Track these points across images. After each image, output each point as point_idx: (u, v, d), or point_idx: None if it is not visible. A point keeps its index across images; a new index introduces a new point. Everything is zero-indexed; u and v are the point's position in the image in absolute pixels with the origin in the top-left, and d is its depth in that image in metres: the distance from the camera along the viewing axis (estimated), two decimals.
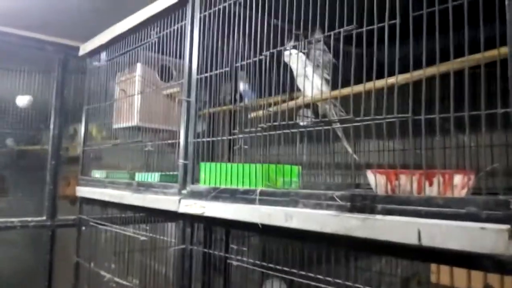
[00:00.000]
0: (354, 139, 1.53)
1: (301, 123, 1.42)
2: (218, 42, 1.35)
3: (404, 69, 0.90)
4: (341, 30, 0.94)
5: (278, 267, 1.08)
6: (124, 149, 1.93)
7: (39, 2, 2.17)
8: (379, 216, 0.82)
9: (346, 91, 1.05)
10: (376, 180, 0.88)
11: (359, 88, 0.99)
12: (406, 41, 0.86)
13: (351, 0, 0.96)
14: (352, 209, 0.86)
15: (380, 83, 0.95)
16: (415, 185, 0.82)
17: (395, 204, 0.81)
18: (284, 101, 1.31)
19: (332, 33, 0.98)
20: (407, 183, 0.83)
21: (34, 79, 2.62)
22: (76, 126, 3.15)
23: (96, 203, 1.97)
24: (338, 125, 1.12)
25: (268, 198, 1.05)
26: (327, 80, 1.37)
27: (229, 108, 1.61)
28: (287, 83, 1.28)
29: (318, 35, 1.33)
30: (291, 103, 1.35)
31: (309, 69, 1.35)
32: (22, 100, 2.71)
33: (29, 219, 2.54)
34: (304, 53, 1.30)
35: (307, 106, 1.38)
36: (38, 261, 2.73)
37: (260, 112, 1.33)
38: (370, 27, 0.90)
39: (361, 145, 1.70)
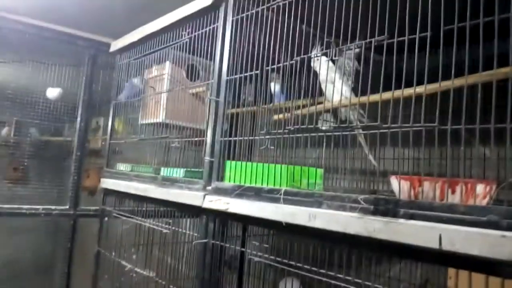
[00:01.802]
0: (376, 146, 1.56)
1: (322, 127, 1.46)
2: (249, 45, 1.40)
3: (433, 79, 0.93)
4: (373, 40, 0.98)
5: (298, 264, 1.12)
6: (149, 145, 1.99)
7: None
8: (401, 220, 0.85)
9: (373, 98, 1.09)
10: (399, 186, 0.92)
11: (386, 95, 1.03)
12: (434, 52, 0.90)
13: (383, 10, 0.99)
14: (376, 212, 0.90)
15: (407, 91, 0.98)
16: (438, 192, 0.85)
17: (417, 209, 0.84)
18: (309, 105, 1.35)
19: (363, 42, 1.01)
20: (430, 189, 0.86)
21: (65, 72, 2.70)
22: (99, 120, 3.24)
23: (119, 195, 2.03)
24: (361, 131, 1.15)
25: (292, 198, 1.09)
26: (351, 87, 1.40)
27: (252, 110, 1.66)
28: (314, 88, 1.32)
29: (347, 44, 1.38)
30: (316, 107, 1.39)
31: (335, 75, 1.39)
32: (52, 92, 2.80)
33: (53, 207, 2.62)
34: (331, 59, 1.34)
35: (328, 111, 1.42)
36: (59, 248, 2.81)
37: (285, 115, 1.37)
38: (401, 38, 0.94)
39: (382, 152, 1.73)
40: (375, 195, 0.95)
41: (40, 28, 2.42)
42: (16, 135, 3.92)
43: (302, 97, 1.31)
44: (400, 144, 0.93)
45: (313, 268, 1.07)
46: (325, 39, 1.32)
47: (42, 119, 3.75)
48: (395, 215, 0.87)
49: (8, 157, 4.03)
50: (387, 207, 0.89)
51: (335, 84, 1.39)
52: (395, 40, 0.94)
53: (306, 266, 1.09)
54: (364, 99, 1.15)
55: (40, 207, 2.53)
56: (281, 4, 1.27)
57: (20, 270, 3.68)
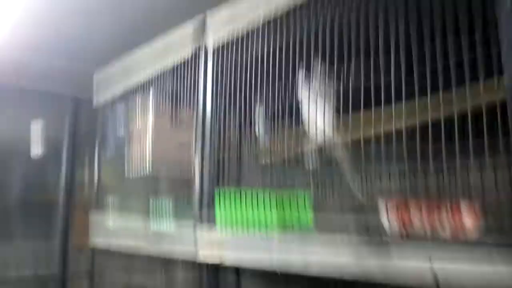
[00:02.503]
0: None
1: (309, 167, 1.46)
2: (231, 90, 1.42)
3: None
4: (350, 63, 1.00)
5: None
6: (137, 196, 1.96)
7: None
8: (395, 261, 0.84)
9: (354, 135, 1.10)
10: (390, 223, 0.92)
11: (367, 131, 1.04)
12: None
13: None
14: (370, 255, 0.89)
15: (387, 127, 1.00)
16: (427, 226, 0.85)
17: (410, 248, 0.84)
18: (295, 144, 1.35)
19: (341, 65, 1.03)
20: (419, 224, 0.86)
21: (46, 127, 2.68)
22: (85, 173, 3.20)
23: (110, 253, 1.98)
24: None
25: (286, 245, 1.08)
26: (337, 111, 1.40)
27: (237, 152, 1.66)
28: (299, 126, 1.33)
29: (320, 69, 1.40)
30: (301, 148, 1.39)
31: (315, 108, 1.39)
32: (35, 148, 2.77)
33: (41, 268, 2.53)
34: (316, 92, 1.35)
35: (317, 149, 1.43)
36: None
37: (272, 158, 1.38)
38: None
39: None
40: (367, 235, 0.94)
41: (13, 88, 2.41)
42: None
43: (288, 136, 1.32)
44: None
45: None
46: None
47: (26, 177, 3.69)
48: (388, 255, 0.86)
49: None
50: (380, 248, 0.88)
51: (317, 119, 1.39)
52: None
53: None
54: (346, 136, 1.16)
55: (28, 271, 2.44)
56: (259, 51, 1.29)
57: None
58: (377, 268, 0.85)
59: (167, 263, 1.61)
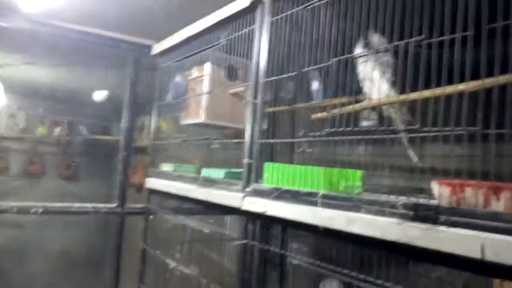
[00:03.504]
0: (419, 144, 1.52)
1: (364, 124, 1.44)
2: (286, 46, 1.39)
3: (475, 76, 0.89)
4: (411, 40, 0.95)
5: (337, 268, 1.12)
6: (190, 144, 2.03)
7: (115, 4, 2.32)
8: (442, 227, 0.82)
9: (413, 96, 1.06)
10: (440, 191, 0.89)
11: (426, 93, 1.00)
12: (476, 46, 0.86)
13: (419, 7, 0.96)
14: (415, 218, 0.88)
15: (449, 89, 0.95)
16: (481, 199, 0.81)
17: (459, 217, 0.81)
18: (349, 103, 1.33)
19: (402, 42, 0.98)
20: (472, 195, 0.83)
21: (109, 75, 2.80)
22: (144, 119, 3.34)
23: (163, 194, 2.09)
24: (403, 133, 1.12)
25: (330, 201, 1.08)
26: (393, 84, 1.37)
27: (291, 108, 1.65)
28: (353, 86, 1.30)
29: (378, 39, 1.35)
30: (356, 106, 1.37)
31: (376, 73, 1.36)
32: (99, 95, 2.92)
33: (101, 205, 2.73)
34: (371, 57, 1.31)
35: (369, 108, 1.39)
36: (108, 241, 2.93)
37: (325, 114, 1.36)
38: (441, 38, 0.90)
39: (426, 150, 1.67)
40: (415, 200, 0.92)
41: (84, 32, 2.52)
42: (68, 134, 4.14)
43: (342, 95, 1.29)
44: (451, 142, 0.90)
45: (352, 273, 1.06)
46: (363, 39, 1.30)
47: (91, 119, 3.93)
48: (435, 222, 0.85)
49: (60, 155, 4.27)
50: (427, 213, 0.86)
51: (375, 82, 1.36)
52: (433, 40, 0.91)
53: (345, 270, 1.08)
54: (404, 97, 1.12)
55: (89, 205, 2.65)
56: (320, 3, 1.25)
57: (74, 262, 3.89)
58: (421, 232, 0.84)
59: (214, 208, 1.68)
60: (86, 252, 3.92)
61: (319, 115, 1.45)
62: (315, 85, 1.66)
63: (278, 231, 1.56)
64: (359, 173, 1.20)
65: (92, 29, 2.55)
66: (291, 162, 1.93)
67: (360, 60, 1.34)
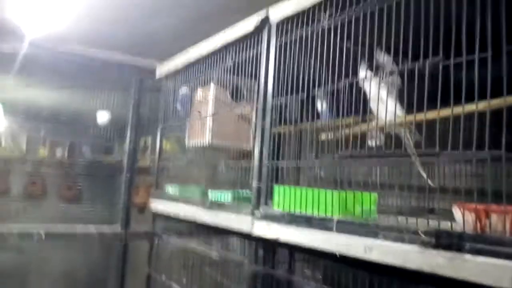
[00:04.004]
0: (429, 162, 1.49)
1: (371, 144, 1.41)
2: (293, 67, 1.38)
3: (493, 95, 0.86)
4: (427, 61, 0.93)
5: None
6: (197, 166, 2.00)
7: (119, 27, 2.32)
8: (467, 256, 0.79)
9: (420, 117, 1.03)
10: (463, 216, 0.86)
11: (443, 112, 0.97)
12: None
13: (436, 28, 0.94)
14: (437, 246, 0.84)
15: (467, 108, 0.92)
16: (508, 225, 0.78)
17: (486, 244, 0.78)
18: (357, 123, 1.30)
19: (417, 63, 0.96)
20: (499, 221, 0.80)
21: (113, 96, 2.79)
22: (147, 140, 3.32)
23: (169, 217, 2.05)
24: (418, 157, 1.10)
25: (346, 227, 1.05)
26: (399, 104, 1.35)
27: (298, 128, 1.63)
28: (363, 106, 1.28)
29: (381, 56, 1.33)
30: (364, 126, 1.34)
31: (383, 93, 1.34)
32: (102, 117, 2.90)
33: (105, 227, 2.69)
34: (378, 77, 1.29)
35: (377, 128, 1.37)
36: (111, 263, 2.87)
37: (333, 134, 1.34)
38: (458, 59, 0.88)
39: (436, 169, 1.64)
40: (436, 226, 0.89)
41: (89, 56, 2.52)
42: (69, 155, 4.11)
43: (349, 115, 1.27)
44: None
45: None
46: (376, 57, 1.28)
47: (94, 140, 3.90)
48: (459, 249, 0.81)
49: (62, 176, 4.23)
50: (450, 240, 0.83)
51: (385, 102, 1.34)
52: (451, 61, 0.89)
53: None
54: (420, 116, 1.10)
55: (93, 227, 2.61)
56: (325, 25, 1.24)
57: (76, 285, 3.81)
58: (445, 261, 0.80)
59: (222, 232, 1.64)
60: (88, 275, 3.85)
61: (327, 135, 1.42)
62: (323, 105, 1.64)
63: (288, 256, 1.52)
64: (374, 196, 1.17)
65: (96, 52, 2.55)
66: (298, 184, 1.90)
67: (370, 80, 1.32)
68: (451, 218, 0.95)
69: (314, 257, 1.34)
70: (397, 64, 1.20)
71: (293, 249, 1.39)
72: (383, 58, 1.32)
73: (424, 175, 1.33)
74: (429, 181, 1.41)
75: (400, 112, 1.32)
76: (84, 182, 4.19)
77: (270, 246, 1.40)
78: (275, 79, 1.44)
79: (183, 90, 2.12)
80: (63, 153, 4.03)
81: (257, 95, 1.53)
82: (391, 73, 1.33)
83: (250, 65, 1.59)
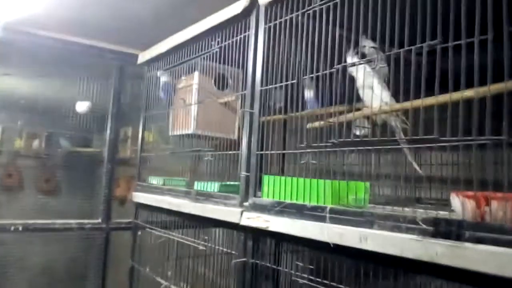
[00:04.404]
0: (417, 151, 1.47)
1: (357, 133, 1.39)
2: (282, 53, 1.33)
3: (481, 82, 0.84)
4: (424, 45, 0.90)
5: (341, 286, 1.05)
6: (180, 156, 1.95)
7: (99, 11, 2.23)
8: (467, 244, 0.77)
9: (416, 103, 1.01)
10: (462, 204, 0.83)
11: (430, 100, 0.95)
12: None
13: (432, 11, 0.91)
14: (436, 234, 0.82)
15: (455, 95, 0.90)
16: (509, 213, 0.76)
17: (486, 232, 0.76)
18: (346, 112, 1.27)
19: (413, 47, 0.93)
20: (499, 209, 0.78)
21: (93, 84, 2.70)
22: (127, 130, 3.23)
23: (152, 208, 1.99)
24: (413, 143, 1.07)
25: (339, 216, 1.02)
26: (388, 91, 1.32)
27: (284, 117, 1.59)
28: (350, 94, 1.25)
29: (368, 43, 1.30)
30: (353, 114, 1.31)
31: (374, 80, 1.32)
32: (81, 106, 2.81)
33: (85, 221, 2.61)
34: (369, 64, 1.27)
35: (365, 117, 1.35)
36: (92, 256, 2.80)
37: (321, 123, 1.30)
38: (457, 42, 0.86)
39: (424, 157, 1.63)
40: (434, 214, 0.87)
41: (66, 42, 2.42)
42: (47, 147, 3.98)
43: (337, 103, 1.23)
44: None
45: None
46: (362, 44, 1.25)
47: (72, 131, 3.79)
48: (459, 238, 0.79)
49: (39, 168, 4.10)
50: (449, 228, 0.81)
51: (374, 89, 1.32)
52: (449, 44, 0.86)
53: None
54: (407, 104, 1.08)
55: (73, 221, 2.53)
56: (317, 9, 1.19)
57: (56, 278, 3.71)
58: (444, 249, 0.78)
59: (208, 222, 1.60)
60: (69, 268, 3.76)
61: (315, 124, 1.39)
62: (310, 93, 1.60)
63: (278, 247, 1.49)
64: (365, 185, 1.14)
65: (74, 38, 2.45)
66: (282, 173, 1.87)
67: (358, 67, 1.29)
68: (446, 208, 0.94)
69: (305, 248, 1.31)
70: (384, 51, 1.17)
71: (283, 240, 1.36)
72: (368, 43, 1.29)
73: (415, 164, 1.32)
74: (418, 169, 1.40)
75: (388, 99, 1.30)
76: (63, 174, 4.08)
77: (259, 237, 1.36)
78: (264, 66, 1.39)
79: (166, 77, 2.06)
80: (40, 144, 3.92)
81: (245, 82, 1.48)
82: (381, 59, 1.31)
83: (237, 51, 1.53)
